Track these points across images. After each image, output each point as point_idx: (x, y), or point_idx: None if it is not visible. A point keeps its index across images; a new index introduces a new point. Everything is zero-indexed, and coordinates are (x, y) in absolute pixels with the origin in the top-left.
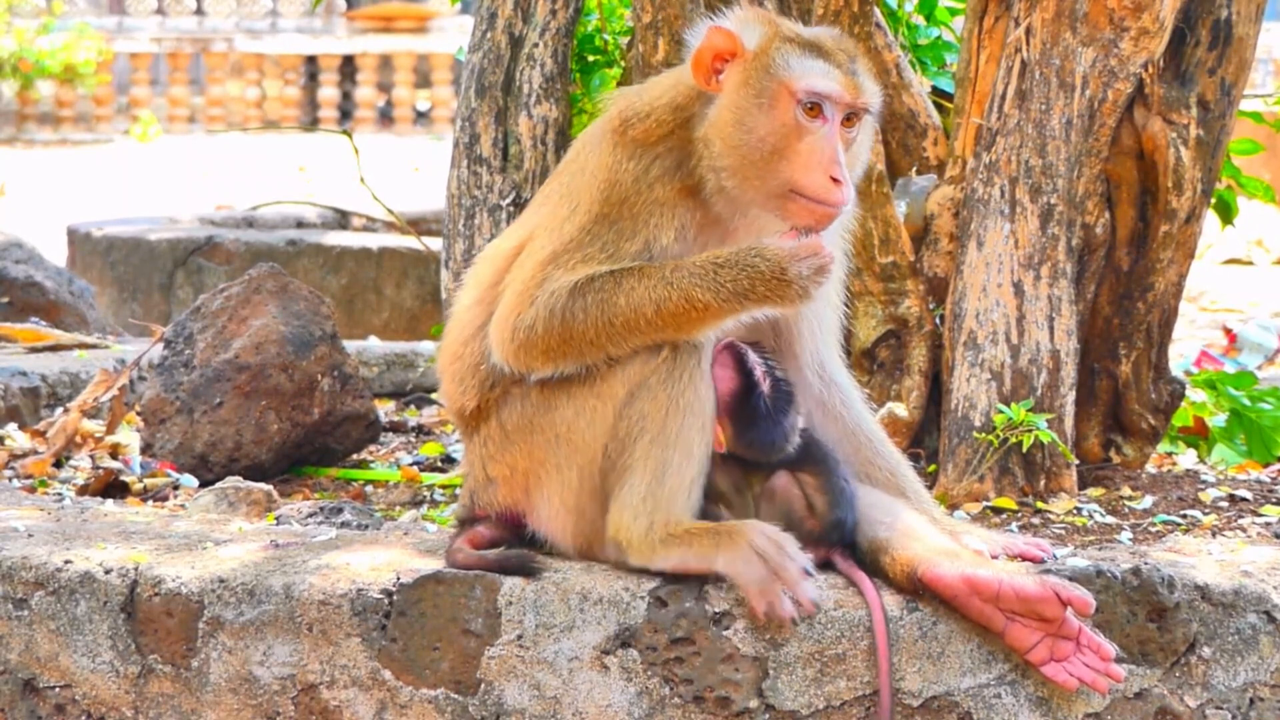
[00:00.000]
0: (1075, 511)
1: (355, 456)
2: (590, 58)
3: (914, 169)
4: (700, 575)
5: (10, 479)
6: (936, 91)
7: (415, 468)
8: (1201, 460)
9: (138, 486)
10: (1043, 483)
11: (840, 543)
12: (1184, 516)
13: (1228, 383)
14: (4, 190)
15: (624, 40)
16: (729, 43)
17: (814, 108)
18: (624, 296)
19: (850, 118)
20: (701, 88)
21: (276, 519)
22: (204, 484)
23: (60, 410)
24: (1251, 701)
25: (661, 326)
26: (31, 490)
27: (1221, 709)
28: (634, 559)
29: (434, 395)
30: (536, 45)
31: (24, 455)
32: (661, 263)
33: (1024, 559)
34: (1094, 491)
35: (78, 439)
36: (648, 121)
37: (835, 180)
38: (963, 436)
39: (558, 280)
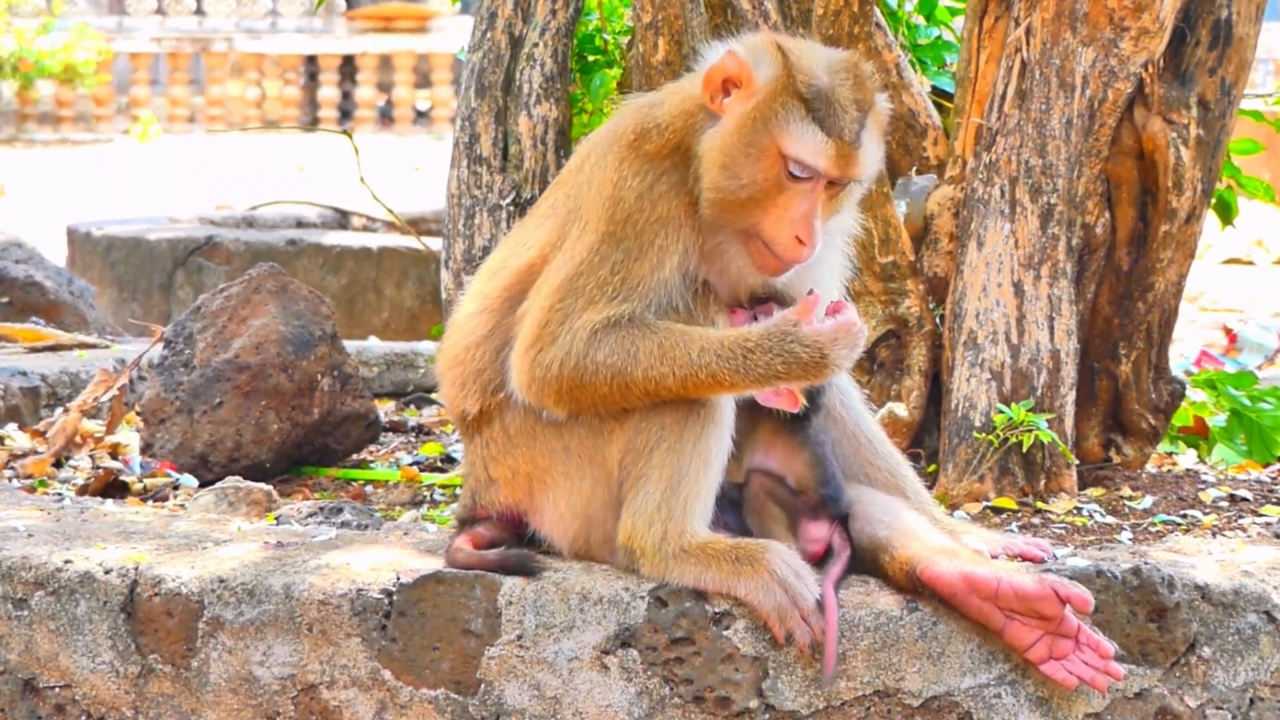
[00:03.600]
0: (1075, 511)
1: (355, 456)
2: (590, 57)
3: (914, 169)
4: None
5: (10, 479)
6: (936, 91)
7: (415, 468)
8: (1201, 460)
9: (138, 486)
10: (1043, 483)
11: (839, 514)
12: (1184, 516)
13: (1228, 382)
14: (4, 190)
15: (624, 40)
16: (739, 71)
17: (804, 171)
18: (641, 372)
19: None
20: (705, 104)
21: (276, 519)
22: (204, 484)
23: (60, 410)
24: (1251, 701)
25: (683, 395)
26: (31, 490)
27: (1221, 709)
28: (646, 568)
29: (434, 395)
30: (536, 45)
31: (24, 455)
32: (684, 334)
33: (1024, 559)
34: (1094, 491)
35: (78, 439)
36: (666, 134)
37: (800, 241)
38: (963, 436)
39: (578, 317)
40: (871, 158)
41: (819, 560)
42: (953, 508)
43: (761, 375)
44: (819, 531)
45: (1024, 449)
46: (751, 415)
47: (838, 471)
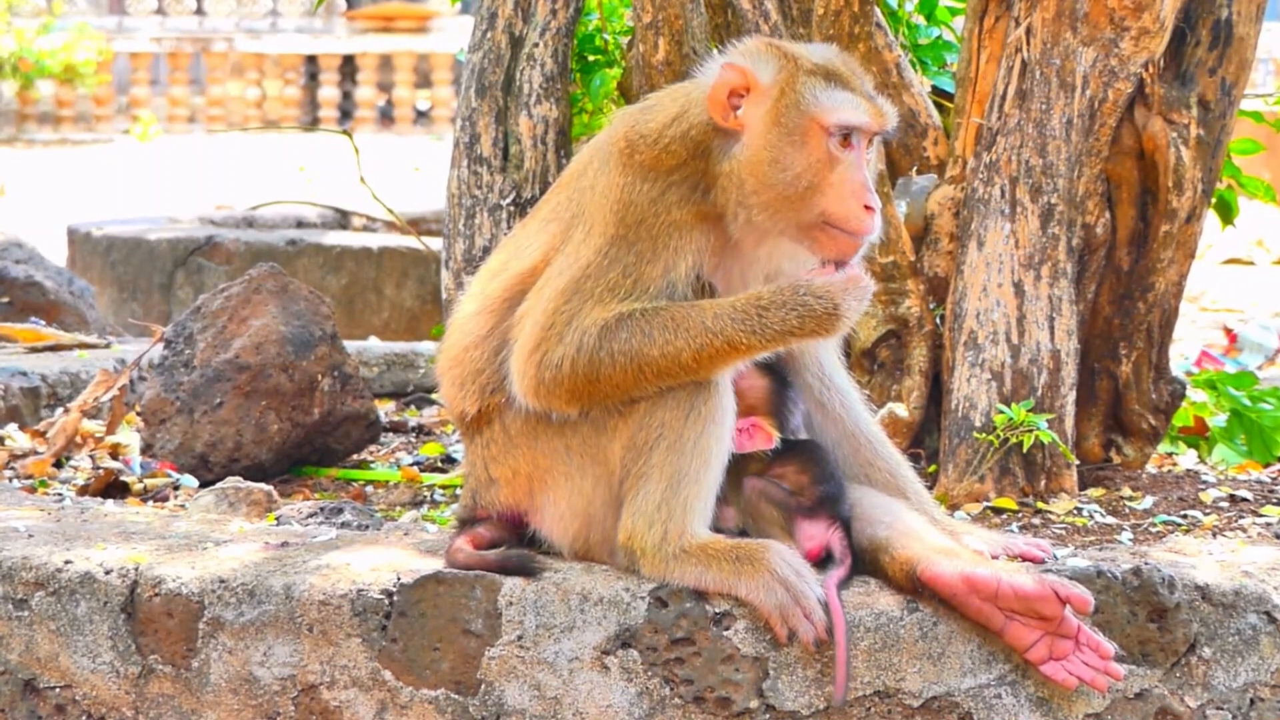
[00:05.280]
0: (1076, 512)
1: (355, 457)
2: (590, 57)
3: (914, 169)
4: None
5: (10, 479)
6: (937, 91)
7: (415, 468)
8: (1202, 460)
9: (138, 487)
10: (1043, 483)
11: (839, 516)
12: (1184, 517)
13: (1228, 383)
14: (4, 190)
15: (624, 40)
16: (743, 79)
17: (844, 139)
18: (658, 349)
19: (869, 140)
20: (720, 124)
21: (277, 519)
22: (204, 484)
23: (60, 410)
24: (1252, 702)
25: (697, 370)
26: (32, 490)
27: (1222, 709)
28: (647, 569)
29: (434, 395)
30: (537, 45)
31: (24, 455)
32: (694, 305)
33: (1024, 559)
34: (1094, 492)
35: (78, 439)
36: (656, 149)
37: (868, 208)
38: (963, 437)
39: (586, 315)
40: (892, 111)
41: (816, 562)
42: (953, 508)
43: (777, 332)
44: (815, 530)
45: (1024, 449)
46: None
47: (837, 471)
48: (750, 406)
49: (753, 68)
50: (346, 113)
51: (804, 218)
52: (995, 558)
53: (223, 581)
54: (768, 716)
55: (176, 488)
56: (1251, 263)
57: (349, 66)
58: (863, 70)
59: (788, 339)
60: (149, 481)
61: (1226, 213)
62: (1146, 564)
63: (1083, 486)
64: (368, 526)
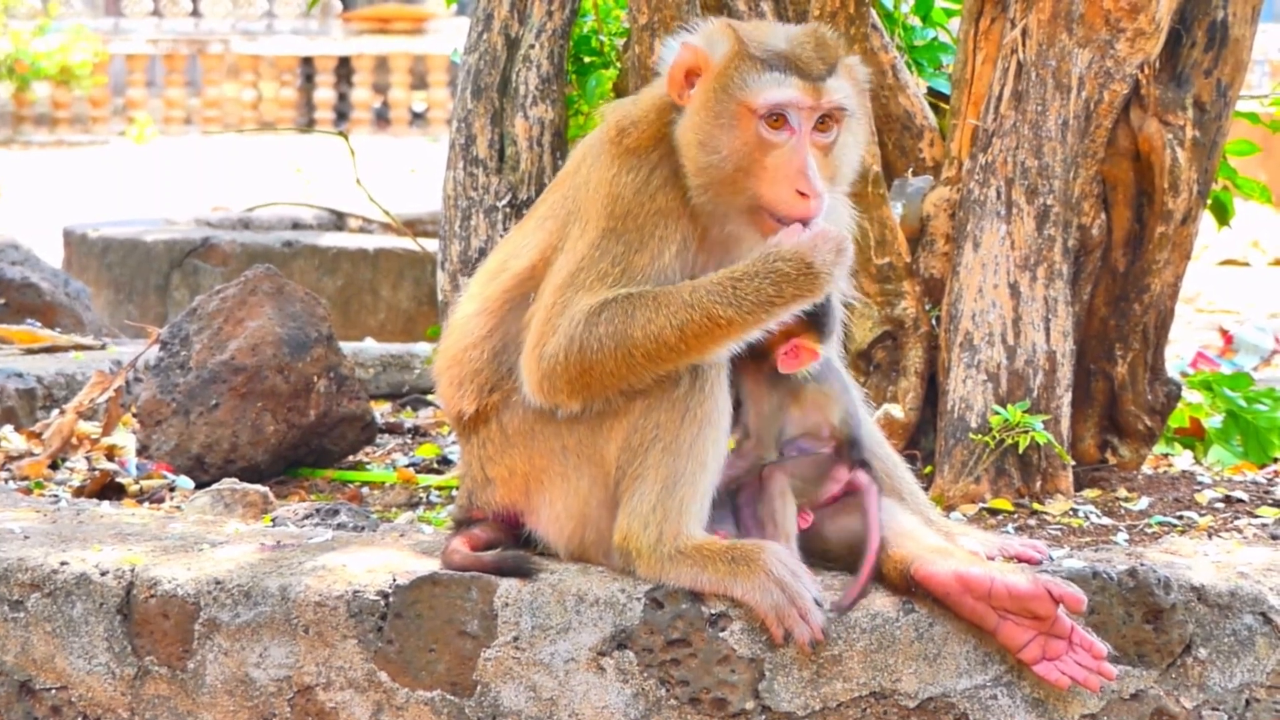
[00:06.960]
0: (1071, 513)
1: (351, 458)
2: (586, 59)
3: (910, 170)
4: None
5: (6, 481)
6: (932, 93)
7: (411, 469)
8: (1198, 461)
9: (134, 488)
10: (1039, 484)
11: (855, 459)
12: (1180, 518)
13: (1224, 384)
14: (0, 192)
15: (620, 42)
16: (696, 58)
17: (778, 119)
18: (640, 329)
19: (824, 121)
20: (675, 102)
21: (273, 521)
22: (200, 485)
23: (56, 412)
24: (1247, 703)
25: (685, 351)
26: (27, 492)
27: (1217, 710)
28: (642, 570)
29: (430, 397)
30: (533, 47)
31: (20, 457)
32: (675, 286)
33: (1020, 560)
34: (1090, 493)
35: (74, 440)
36: (639, 128)
37: (802, 194)
38: (959, 438)
39: (577, 304)
40: (842, 88)
41: (836, 499)
42: (949, 509)
43: (754, 303)
44: (841, 474)
45: (1020, 450)
46: (771, 387)
47: (854, 412)
48: (788, 329)
49: (707, 48)
50: (342, 114)
51: (739, 201)
52: (991, 558)
53: (219, 583)
54: (764, 717)
55: (172, 489)
56: (1247, 264)
57: (345, 68)
58: (838, 53)
59: (770, 309)
60: (145, 483)
61: (1222, 214)
62: (1142, 565)
63: (1078, 487)
64: (363, 528)
